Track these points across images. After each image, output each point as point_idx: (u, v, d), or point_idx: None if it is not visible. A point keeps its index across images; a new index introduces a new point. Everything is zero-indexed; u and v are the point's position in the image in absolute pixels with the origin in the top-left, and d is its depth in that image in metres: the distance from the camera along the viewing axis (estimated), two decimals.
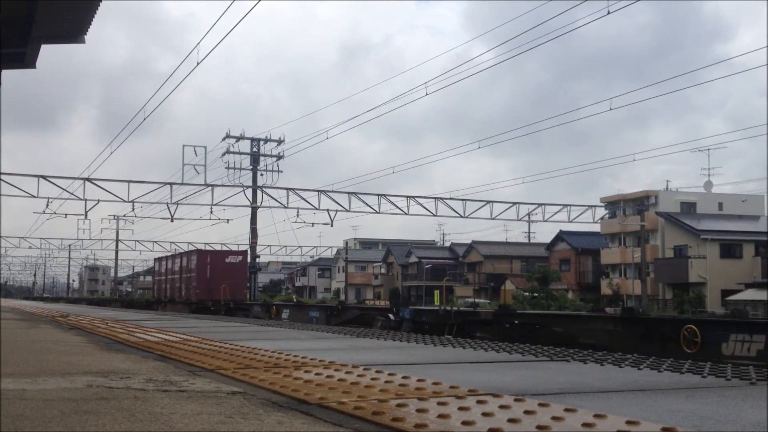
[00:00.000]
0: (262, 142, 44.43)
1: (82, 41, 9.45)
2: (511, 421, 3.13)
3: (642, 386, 4.47)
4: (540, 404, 3.54)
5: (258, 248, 46.68)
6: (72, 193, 35.64)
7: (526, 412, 3.33)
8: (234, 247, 74.01)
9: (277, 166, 43.54)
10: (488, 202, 41.30)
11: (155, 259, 52.87)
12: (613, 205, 59.23)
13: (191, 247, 78.35)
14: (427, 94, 41.59)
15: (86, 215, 39.84)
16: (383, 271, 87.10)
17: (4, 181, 32.87)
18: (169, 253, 60.02)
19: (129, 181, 36.45)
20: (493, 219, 41.87)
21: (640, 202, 57.80)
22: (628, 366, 5.55)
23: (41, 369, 5.28)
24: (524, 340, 14.68)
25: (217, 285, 37.87)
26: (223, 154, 43.96)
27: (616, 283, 56.91)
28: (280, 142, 44.27)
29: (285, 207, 40.07)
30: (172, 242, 76.78)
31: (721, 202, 59.22)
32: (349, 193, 39.79)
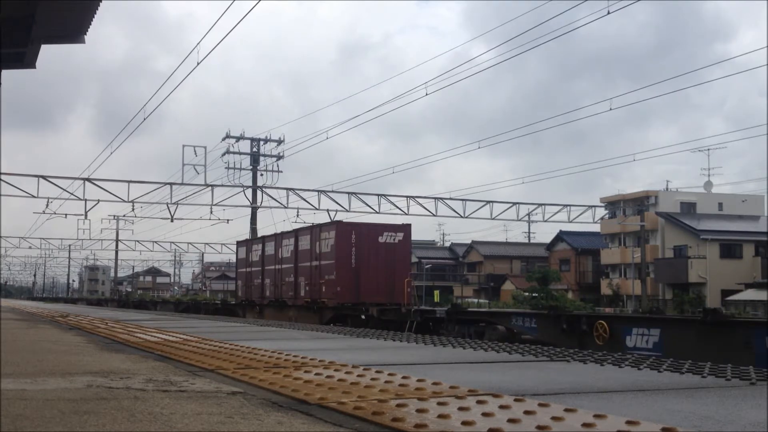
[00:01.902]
0: (261, 142, 44.42)
1: (82, 41, 9.44)
2: (511, 421, 3.13)
3: (642, 386, 4.47)
4: (540, 404, 3.54)
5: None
6: (72, 193, 35.59)
7: (526, 413, 3.33)
8: (234, 248, 74.12)
9: (277, 166, 43.50)
10: (488, 202, 41.27)
11: (239, 243, 36.06)
12: (613, 205, 59.23)
13: (192, 248, 78.32)
14: (427, 94, 41.57)
15: (86, 215, 39.76)
16: None
17: (4, 181, 32.86)
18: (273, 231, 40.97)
19: (129, 181, 36.40)
20: (493, 219, 41.82)
21: (640, 202, 57.81)
22: (628, 366, 5.55)
23: (41, 369, 5.27)
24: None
25: (369, 279, 24.96)
26: (223, 154, 43.94)
27: (616, 284, 56.90)
28: (279, 142, 44.25)
29: (285, 207, 39.97)
30: (172, 242, 76.86)
31: (721, 202, 59.23)
32: (349, 193, 39.74)
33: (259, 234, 45.39)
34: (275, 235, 31.13)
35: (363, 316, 23.44)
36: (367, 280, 25.04)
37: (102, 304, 62.51)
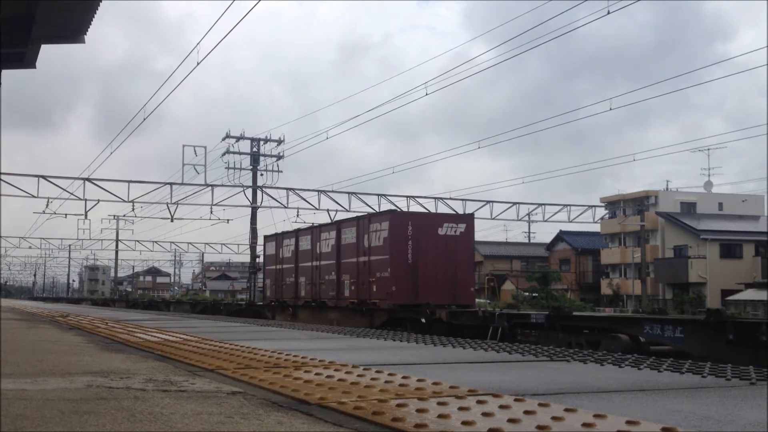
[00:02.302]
0: (262, 142, 44.42)
1: (82, 41, 9.44)
2: (511, 421, 3.13)
3: (642, 386, 4.47)
4: (540, 404, 3.54)
5: (258, 248, 46.60)
6: (72, 193, 35.63)
7: (526, 412, 3.33)
8: (234, 248, 74.12)
9: (277, 166, 43.47)
10: (488, 202, 41.31)
11: (267, 237, 32.38)
12: (613, 205, 59.24)
13: (192, 248, 78.25)
14: (427, 94, 41.57)
15: (86, 215, 39.83)
16: None
17: (4, 181, 32.87)
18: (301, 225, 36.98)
19: (129, 181, 36.44)
20: (493, 219, 41.89)
21: (640, 202, 57.81)
22: (628, 366, 5.55)
23: (41, 369, 5.27)
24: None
25: (429, 277, 21.63)
26: (223, 154, 43.92)
27: (616, 284, 56.91)
28: (280, 142, 44.24)
29: (285, 207, 40.04)
30: (172, 242, 76.90)
31: (721, 202, 59.23)
32: (349, 193, 39.78)
33: (259, 234, 45.38)
34: (312, 228, 28.10)
35: (423, 320, 20.00)
36: (426, 278, 21.58)
37: (108, 304, 59.01)
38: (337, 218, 34.24)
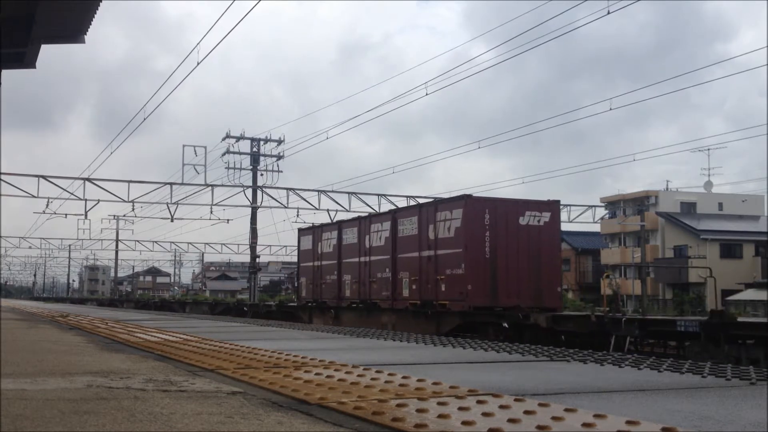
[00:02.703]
0: (262, 142, 44.43)
1: (82, 41, 9.44)
2: (511, 421, 3.13)
3: (642, 386, 4.47)
4: (540, 404, 3.54)
5: (258, 248, 46.60)
6: (72, 193, 35.65)
7: (526, 412, 3.33)
8: (234, 248, 74.19)
9: (277, 166, 43.47)
10: None
11: (302, 231, 29.34)
12: (613, 205, 59.24)
13: (192, 248, 78.21)
14: (427, 94, 41.55)
15: (86, 215, 39.86)
16: None
17: (4, 181, 32.87)
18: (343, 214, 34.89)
19: (129, 181, 36.45)
20: None
21: (640, 202, 57.81)
22: (628, 366, 5.55)
23: (41, 369, 5.27)
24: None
25: (510, 274, 18.62)
26: (223, 154, 43.93)
27: (616, 283, 56.89)
28: (280, 142, 44.25)
29: (285, 207, 40.07)
30: (172, 242, 76.90)
31: (721, 202, 59.22)
32: (349, 193, 39.79)
33: (259, 234, 45.28)
34: (359, 219, 24.94)
35: (506, 324, 17.28)
36: (506, 276, 18.65)
37: (116, 305, 55.51)
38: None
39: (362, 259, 23.50)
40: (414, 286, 20.63)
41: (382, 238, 22.50)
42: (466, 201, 19.14)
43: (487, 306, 18.50)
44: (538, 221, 19.47)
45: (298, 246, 29.33)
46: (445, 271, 19.23)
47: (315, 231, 27.63)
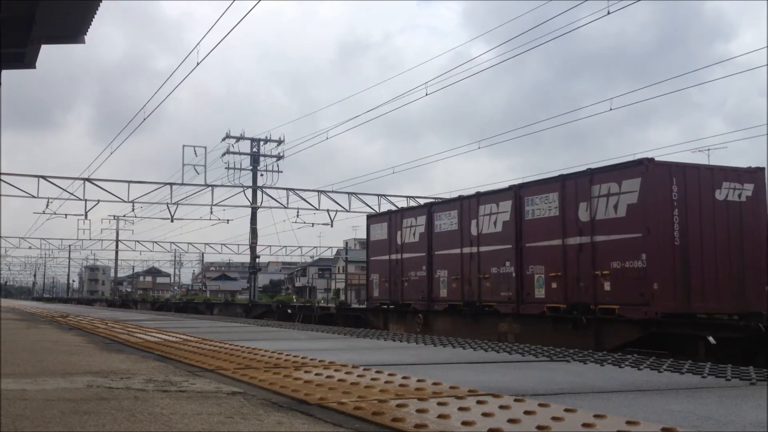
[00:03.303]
0: (261, 143, 44.44)
1: (82, 41, 9.45)
2: (511, 421, 3.13)
3: (642, 386, 4.47)
4: (540, 404, 3.54)
5: (258, 248, 46.59)
6: (72, 194, 35.63)
7: (526, 413, 3.33)
8: (234, 248, 74.11)
9: (277, 166, 43.50)
10: None
11: (371, 217, 24.81)
12: None
13: (192, 249, 78.29)
14: (427, 94, 41.56)
15: (86, 215, 39.77)
16: None
17: (4, 181, 32.87)
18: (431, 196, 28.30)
19: (129, 182, 36.43)
20: None
21: None
22: (628, 366, 5.56)
23: (41, 369, 5.27)
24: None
25: (707, 267, 14.11)
26: (223, 155, 43.95)
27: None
28: (280, 142, 44.27)
29: (285, 207, 40.04)
30: (172, 242, 76.91)
31: None
32: (349, 193, 39.78)
33: (259, 234, 45.15)
34: (460, 200, 19.39)
35: (712, 339, 12.55)
36: (701, 270, 14.06)
37: (129, 306, 51.96)
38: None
39: (466, 250, 18.55)
40: (554, 285, 15.82)
41: (497, 222, 17.55)
42: (646, 166, 14.02)
43: (678, 312, 13.67)
44: (739, 195, 14.65)
45: (368, 236, 24.22)
46: (610, 264, 14.47)
47: (392, 217, 22.67)
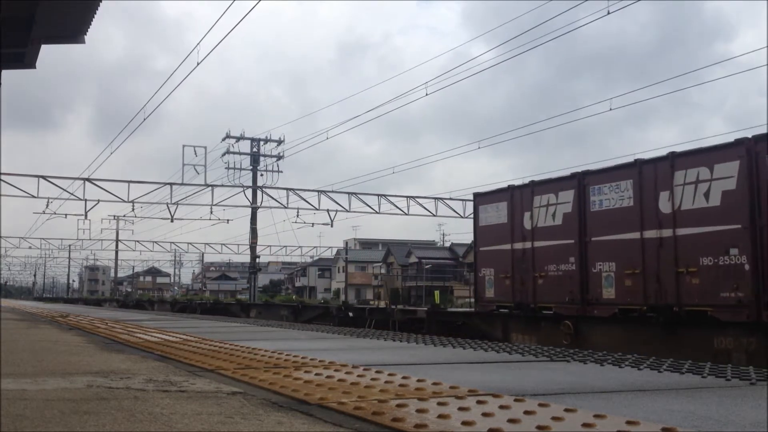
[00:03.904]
0: (261, 143, 44.45)
1: (82, 41, 9.45)
2: (511, 421, 3.13)
3: (642, 386, 4.47)
4: (540, 404, 3.54)
5: (258, 248, 46.60)
6: (72, 194, 35.63)
7: (526, 413, 3.33)
8: (234, 248, 74.09)
9: (277, 166, 43.55)
10: None
11: (480, 196, 18.86)
12: None
13: (192, 249, 78.27)
14: (427, 94, 41.57)
15: (86, 215, 39.78)
16: (383, 271, 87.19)
17: (4, 181, 32.87)
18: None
19: (129, 182, 36.44)
20: None
21: None
22: (628, 366, 5.56)
23: (41, 369, 5.27)
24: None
25: None
26: (223, 155, 44.00)
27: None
28: (280, 142, 44.31)
29: (285, 207, 40.05)
30: (172, 242, 76.94)
31: None
32: (349, 193, 39.78)
33: (259, 234, 45.01)
34: (637, 165, 14.21)
35: None
36: None
37: (144, 307, 46.79)
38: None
39: (649, 233, 13.81)
40: None
41: (716, 193, 12.64)
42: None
43: None
44: None
45: (475, 220, 18.91)
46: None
47: (516, 194, 17.47)
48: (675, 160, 13.41)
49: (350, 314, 24.17)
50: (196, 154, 37.11)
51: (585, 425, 3.02)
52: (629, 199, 14.21)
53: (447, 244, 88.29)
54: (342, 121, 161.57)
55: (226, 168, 43.47)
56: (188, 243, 74.73)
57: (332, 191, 39.86)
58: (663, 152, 13.78)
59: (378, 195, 39.84)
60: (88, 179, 35.45)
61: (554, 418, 3.17)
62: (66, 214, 43.79)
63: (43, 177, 34.65)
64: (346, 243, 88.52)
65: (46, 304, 47.37)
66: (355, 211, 40.17)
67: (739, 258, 12.23)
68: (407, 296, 76.49)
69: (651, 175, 13.82)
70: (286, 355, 6.22)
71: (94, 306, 46.65)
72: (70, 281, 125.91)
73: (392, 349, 7.40)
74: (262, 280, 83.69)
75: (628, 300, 14.18)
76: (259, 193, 42.35)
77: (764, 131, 12.82)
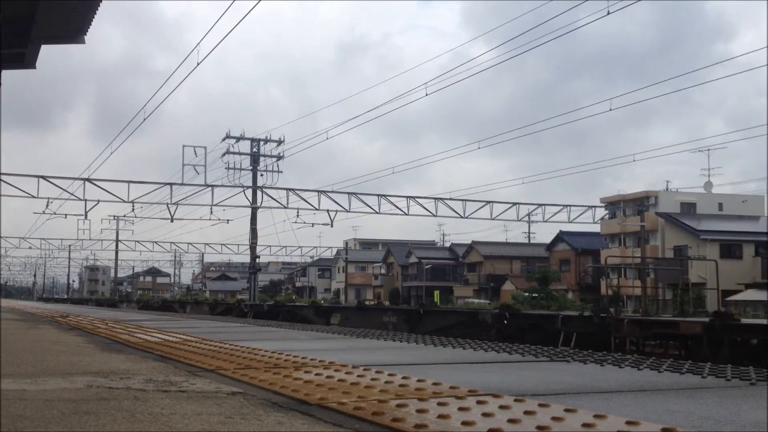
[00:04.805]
0: (261, 143, 44.43)
1: (82, 41, 9.45)
2: (511, 421, 3.13)
3: (642, 386, 4.47)
4: (540, 404, 3.54)
5: (258, 248, 46.58)
6: (72, 194, 35.63)
7: (526, 413, 3.33)
8: (234, 248, 74.05)
9: (277, 166, 43.51)
10: (488, 202, 41.27)
11: None
12: (613, 205, 59.24)
13: (192, 249, 78.27)
14: (427, 95, 41.56)
15: (86, 215, 39.80)
16: (383, 271, 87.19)
17: (4, 181, 32.87)
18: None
19: (129, 182, 36.43)
20: (493, 219, 41.85)
21: (640, 203, 57.80)
22: (628, 366, 5.55)
23: (41, 369, 5.27)
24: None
25: None
26: (223, 155, 43.96)
27: (615, 283, 56.89)
28: (279, 142, 44.27)
29: (285, 207, 40.04)
30: (172, 242, 76.89)
31: (721, 203, 59.25)
32: (349, 193, 39.77)
33: (259, 234, 45.03)
34: None
35: None
36: None
37: (174, 309, 42.40)
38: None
39: None
40: None
41: None
42: None
43: None
44: None
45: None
46: None
47: None
48: None
49: (505, 321, 17.14)
50: (196, 154, 37.10)
51: (585, 425, 3.02)
52: None
53: (447, 245, 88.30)
54: (342, 121, 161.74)
55: (226, 168, 43.47)
56: (188, 243, 74.69)
57: (332, 191, 39.87)
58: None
59: (378, 195, 39.85)
60: (88, 179, 35.44)
61: (554, 419, 3.17)
62: (66, 215, 43.83)
63: (43, 177, 34.65)
64: (346, 243, 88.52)
65: (46, 305, 46.19)
66: (355, 212, 40.15)
67: None
68: (407, 296, 76.46)
69: None
70: (286, 355, 6.22)
71: (107, 308, 41.16)
72: (70, 281, 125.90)
73: (392, 349, 7.40)
74: (262, 280, 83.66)
75: None
76: (259, 193, 42.34)
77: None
